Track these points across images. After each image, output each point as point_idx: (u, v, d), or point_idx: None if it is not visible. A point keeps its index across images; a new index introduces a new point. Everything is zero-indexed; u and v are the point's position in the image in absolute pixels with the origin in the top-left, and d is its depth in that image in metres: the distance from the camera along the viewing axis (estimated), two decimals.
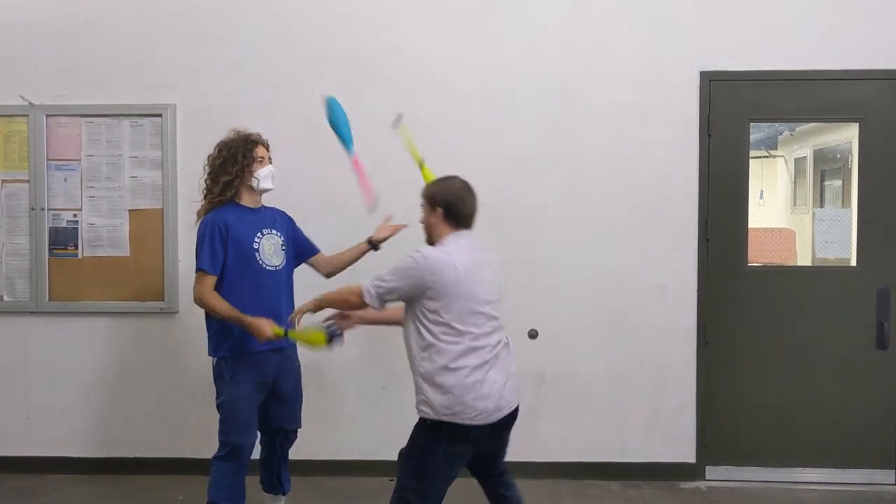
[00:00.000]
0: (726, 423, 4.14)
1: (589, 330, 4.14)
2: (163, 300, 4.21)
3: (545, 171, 4.11)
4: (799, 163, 5.49)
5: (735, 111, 4.10)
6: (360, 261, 3.43)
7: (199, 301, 3.13)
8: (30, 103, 4.21)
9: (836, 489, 4.05)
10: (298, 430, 3.43)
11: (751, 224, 4.16)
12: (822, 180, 5.16)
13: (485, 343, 2.66)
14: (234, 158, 3.17)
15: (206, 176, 3.23)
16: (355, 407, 4.15)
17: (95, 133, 4.21)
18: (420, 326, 2.65)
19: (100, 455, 4.27)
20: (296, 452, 3.49)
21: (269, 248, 3.23)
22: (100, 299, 4.23)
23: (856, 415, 4.09)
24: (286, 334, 3.07)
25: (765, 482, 4.09)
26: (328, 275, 3.49)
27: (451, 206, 2.74)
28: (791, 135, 5.40)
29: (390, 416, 4.10)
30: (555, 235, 4.12)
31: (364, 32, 4.15)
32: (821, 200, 5.17)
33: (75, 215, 4.23)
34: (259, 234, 3.21)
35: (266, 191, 3.26)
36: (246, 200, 3.23)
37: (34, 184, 4.22)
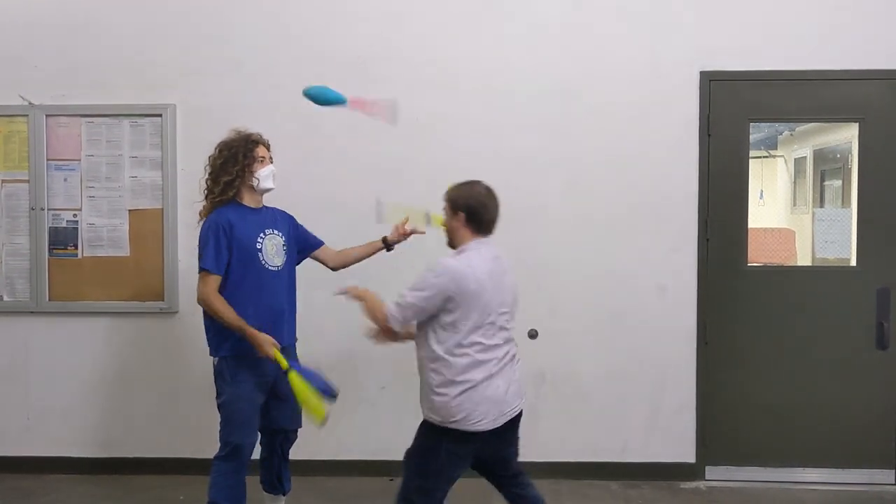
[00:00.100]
0: (726, 423, 4.14)
1: (589, 330, 4.14)
2: (163, 300, 4.21)
3: (545, 171, 4.11)
4: (799, 163, 5.49)
5: (735, 111, 4.10)
6: (369, 258, 3.46)
7: (203, 302, 3.12)
8: (30, 103, 4.20)
9: (836, 489, 4.05)
10: (298, 430, 3.43)
11: (751, 224, 4.16)
12: (822, 180, 5.16)
13: (491, 356, 2.67)
14: (235, 158, 3.17)
15: (207, 176, 3.22)
16: (355, 407, 4.15)
17: (95, 133, 4.21)
18: (433, 337, 2.67)
19: (100, 455, 4.27)
20: (296, 452, 3.49)
21: (272, 249, 3.22)
22: (100, 299, 4.23)
23: (856, 415, 4.09)
24: (288, 370, 3.07)
25: (765, 482, 4.09)
26: (335, 268, 3.49)
27: (473, 211, 2.75)
28: (791, 135, 5.41)
29: (390, 416, 4.11)
30: (555, 235, 4.12)
31: (364, 32, 4.15)
32: (821, 200, 5.17)
33: (75, 215, 4.23)
34: (262, 235, 3.20)
35: (267, 190, 3.26)
36: (247, 200, 3.22)
37: (34, 184, 4.22)
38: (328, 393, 3.10)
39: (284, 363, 3.07)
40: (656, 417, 4.15)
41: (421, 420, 2.77)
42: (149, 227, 4.20)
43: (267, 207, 3.33)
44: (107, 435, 4.28)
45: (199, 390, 3.94)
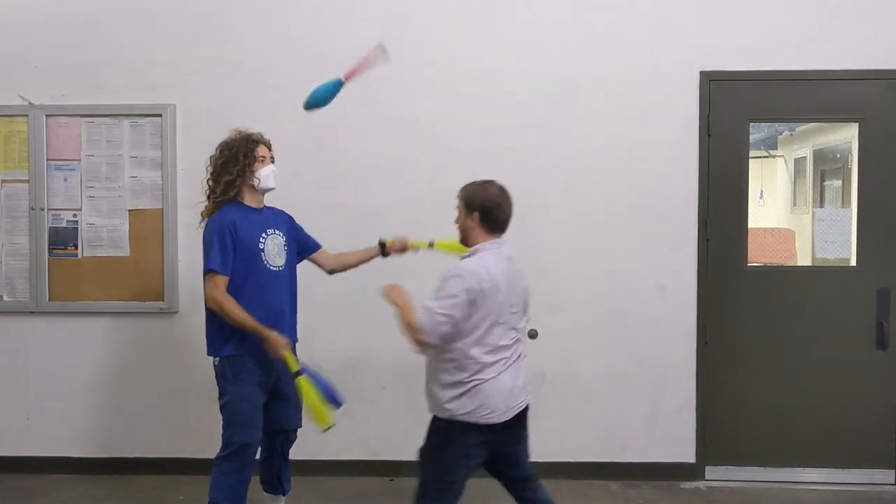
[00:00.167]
0: (726, 423, 4.14)
1: (589, 330, 4.14)
2: (163, 300, 4.20)
3: (545, 171, 4.11)
4: (799, 163, 5.50)
5: (735, 111, 4.10)
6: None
7: (213, 303, 3.08)
8: (30, 103, 4.20)
9: (836, 489, 4.05)
10: (298, 429, 3.43)
11: (751, 224, 4.16)
12: (822, 180, 5.17)
13: (501, 357, 2.69)
14: (236, 158, 3.16)
15: (208, 176, 3.22)
16: (355, 407, 4.14)
17: (95, 133, 4.21)
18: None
19: (100, 455, 4.27)
20: (296, 452, 3.49)
21: (274, 249, 3.22)
22: (100, 299, 4.23)
23: (856, 415, 4.09)
24: (297, 374, 3.08)
25: (765, 482, 4.09)
26: (331, 271, 3.50)
27: (487, 210, 2.76)
28: (791, 135, 5.41)
29: (390, 416, 4.11)
30: (555, 235, 4.12)
31: (364, 32, 4.13)
32: (821, 200, 5.18)
33: (75, 215, 4.23)
34: (264, 235, 3.20)
35: (268, 190, 3.26)
36: (249, 200, 3.22)
37: (34, 184, 4.22)
38: (335, 401, 3.12)
39: (294, 365, 3.07)
40: (656, 417, 4.15)
41: (426, 419, 2.77)
42: (149, 227, 4.20)
43: (268, 207, 3.32)
44: (107, 435, 4.28)
45: (199, 390, 3.95)
